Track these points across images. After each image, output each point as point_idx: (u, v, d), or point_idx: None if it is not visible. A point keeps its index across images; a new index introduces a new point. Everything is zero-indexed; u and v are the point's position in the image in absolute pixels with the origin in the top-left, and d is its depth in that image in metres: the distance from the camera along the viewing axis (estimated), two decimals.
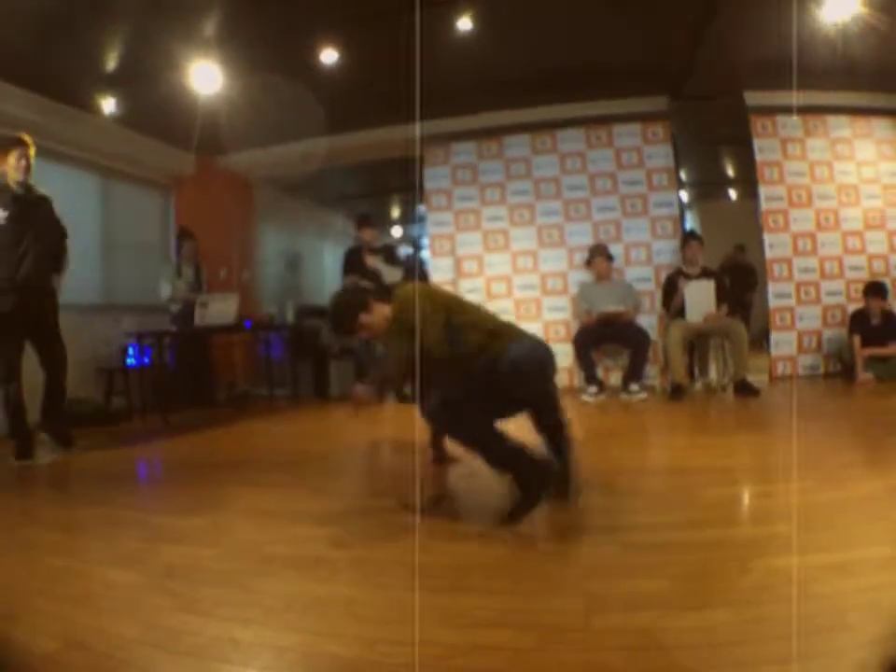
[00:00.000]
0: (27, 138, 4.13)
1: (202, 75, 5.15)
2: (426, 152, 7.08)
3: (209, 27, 4.86)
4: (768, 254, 6.48)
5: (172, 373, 6.30)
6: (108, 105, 5.62)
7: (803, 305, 6.42)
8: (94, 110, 5.65)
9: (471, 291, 6.68)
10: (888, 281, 6.14)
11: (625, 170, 6.72)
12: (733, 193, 11.05)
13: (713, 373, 6.05)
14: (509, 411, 2.53)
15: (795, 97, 5.85)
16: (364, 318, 2.75)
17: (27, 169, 4.12)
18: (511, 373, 2.38)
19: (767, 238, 6.47)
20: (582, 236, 6.71)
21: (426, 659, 1.41)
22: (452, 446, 3.19)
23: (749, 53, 5.49)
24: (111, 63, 5.18)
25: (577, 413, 4.97)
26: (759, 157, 6.51)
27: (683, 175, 8.81)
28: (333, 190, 9.91)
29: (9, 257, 4.04)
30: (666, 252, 6.57)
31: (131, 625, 1.63)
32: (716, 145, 8.56)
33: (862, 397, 5.22)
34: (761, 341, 7.08)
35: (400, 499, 2.67)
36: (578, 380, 6.11)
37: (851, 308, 6.18)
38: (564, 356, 5.95)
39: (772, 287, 6.46)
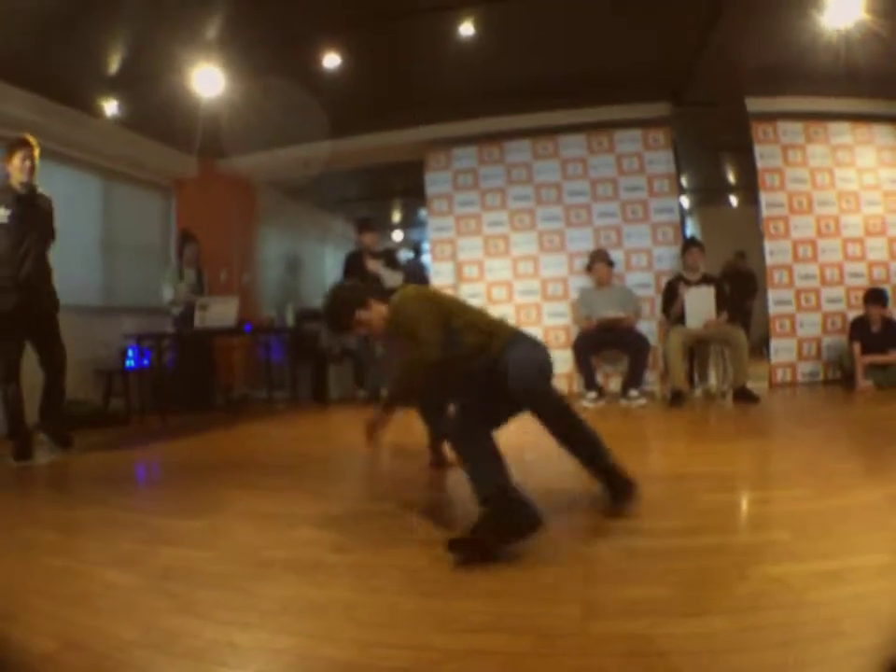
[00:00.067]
0: (32, 139, 4.15)
1: (204, 78, 5.17)
2: (427, 156, 7.09)
3: (211, 30, 4.87)
4: (769, 260, 6.48)
5: (171, 376, 6.31)
6: (111, 107, 5.64)
7: (803, 312, 6.43)
8: (97, 112, 5.67)
9: (472, 296, 6.68)
10: (888, 288, 6.14)
11: (626, 176, 6.73)
12: (733, 200, 11.07)
13: (713, 380, 6.05)
14: (509, 412, 2.52)
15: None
16: (362, 315, 2.73)
17: (31, 170, 4.14)
18: (510, 373, 2.37)
19: (768, 245, 6.48)
20: (583, 242, 6.72)
21: (421, 664, 1.41)
22: (450, 451, 3.21)
23: (751, 60, 5.51)
24: (114, 65, 5.20)
25: None
26: (760, 163, 6.52)
27: (684, 182, 8.84)
28: (334, 194, 9.93)
29: (12, 256, 4.05)
30: (667, 258, 6.58)
31: (128, 627, 1.63)
32: (717, 151, 8.58)
33: (862, 404, 5.22)
34: (761, 347, 7.09)
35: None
36: (577, 385, 6.10)
37: (851, 315, 6.18)
38: (563, 361, 5.95)
39: (772, 294, 6.47)
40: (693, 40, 5.31)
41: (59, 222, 4.42)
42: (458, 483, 3.12)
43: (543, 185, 6.86)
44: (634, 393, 5.58)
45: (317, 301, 9.31)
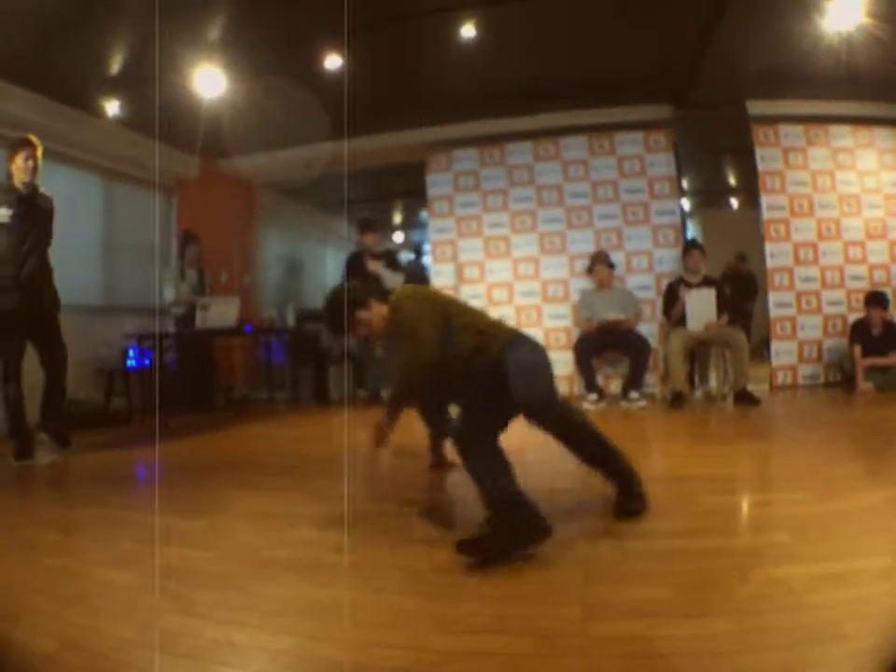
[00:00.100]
0: (35, 139, 4.16)
1: (206, 78, 5.18)
2: (429, 158, 7.10)
3: (213, 31, 4.87)
4: (769, 263, 6.48)
5: (172, 376, 6.30)
6: (112, 107, 5.65)
7: (804, 315, 6.42)
8: (98, 112, 5.68)
9: (473, 297, 6.67)
10: (889, 291, 6.14)
11: (627, 178, 6.73)
12: (734, 202, 11.07)
13: (713, 382, 6.05)
14: (511, 412, 2.50)
15: None
16: (362, 315, 2.73)
17: (34, 170, 4.14)
18: (513, 387, 2.35)
19: (768, 247, 6.47)
20: (584, 244, 6.71)
21: (421, 665, 1.41)
22: (450, 452, 3.20)
23: (752, 62, 5.51)
24: (116, 65, 5.20)
25: None
26: (761, 166, 6.52)
27: (685, 184, 8.84)
28: (336, 195, 9.92)
29: (14, 256, 4.06)
30: (668, 260, 6.58)
31: (128, 626, 1.63)
32: (718, 154, 8.58)
33: (863, 407, 5.22)
34: (761, 350, 7.08)
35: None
36: (578, 387, 6.10)
37: (852, 318, 6.17)
38: (564, 363, 5.95)
39: (773, 297, 6.46)
40: (695, 42, 5.31)
41: (60, 222, 4.41)
42: (458, 484, 3.13)
43: (544, 187, 6.86)
44: (634, 395, 5.58)
45: (318, 302, 9.34)
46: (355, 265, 6.51)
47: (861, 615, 1.50)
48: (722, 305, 5.70)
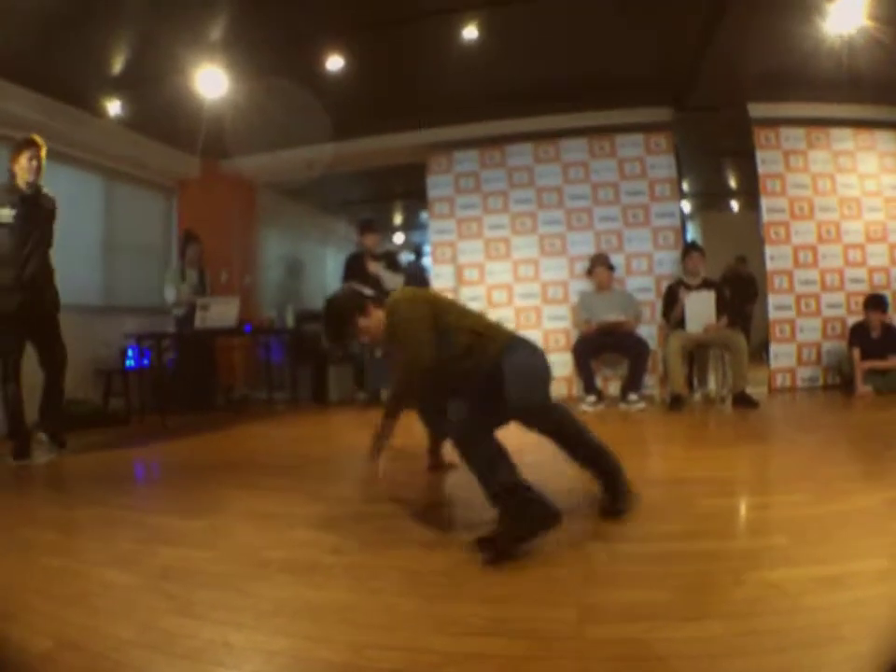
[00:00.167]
0: (39, 139, 4.16)
1: (207, 79, 5.18)
2: (429, 160, 7.10)
3: (215, 31, 4.88)
4: (769, 265, 6.49)
5: (172, 376, 6.31)
6: (114, 107, 5.65)
7: (803, 317, 6.43)
8: (100, 112, 5.68)
9: (472, 299, 6.69)
10: (888, 294, 6.15)
11: (628, 180, 6.74)
12: (735, 204, 11.08)
13: (712, 384, 6.05)
14: (509, 414, 2.50)
15: None
16: (362, 322, 2.74)
17: (38, 170, 4.15)
18: (508, 389, 2.35)
19: (768, 250, 6.48)
20: (584, 245, 6.72)
21: (419, 666, 1.41)
22: (449, 453, 3.20)
23: (753, 64, 5.51)
24: (117, 65, 5.21)
25: None
26: (761, 169, 6.53)
27: (685, 186, 8.84)
28: (336, 196, 9.94)
29: (16, 256, 4.06)
30: (667, 262, 6.58)
31: (126, 627, 1.63)
32: (719, 156, 8.58)
33: (861, 409, 5.22)
34: (760, 352, 7.08)
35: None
36: (577, 389, 6.10)
37: (851, 321, 6.18)
38: (563, 365, 5.96)
39: (772, 299, 6.47)
40: (696, 43, 5.31)
41: (61, 222, 4.42)
42: (456, 485, 3.13)
43: (545, 188, 6.87)
44: (633, 397, 5.58)
45: (318, 303, 9.35)
46: (355, 266, 6.52)
47: (858, 618, 1.50)
48: (722, 307, 5.70)
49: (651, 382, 6.20)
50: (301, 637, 1.56)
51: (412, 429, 3.38)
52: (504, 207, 6.93)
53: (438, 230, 7.10)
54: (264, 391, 7.14)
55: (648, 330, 6.25)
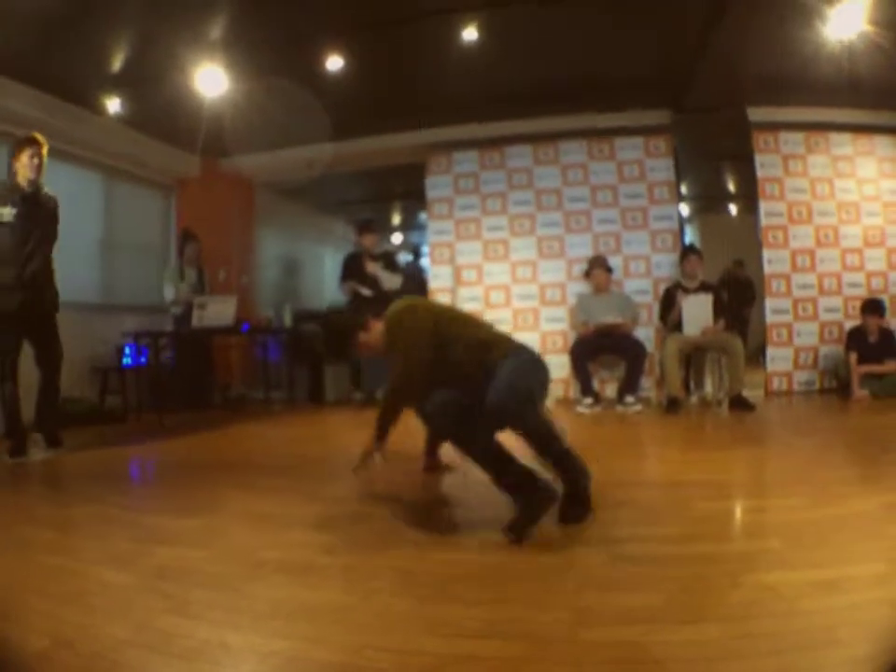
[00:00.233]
0: (41, 137, 4.15)
1: (207, 78, 5.18)
2: (429, 160, 7.10)
3: (215, 30, 4.88)
4: (767, 269, 6.50)
5: (169, 374, 6.30)
6: (114, 105, 5.65)
7: (800, 321, 6.44)
8: (100, 110, 5.67)
9: (470, 300, 6.69)
10: (886, 298, 6.16)
11: (627, 183, 6.74)
12: (733, 208, 11.09)
13: (709, 387, 6.05)
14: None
15: None
16: (363, 337, 2.76)
17: (39, 168, 4.14)
18: (495, 380, 2.37)
19: (766, 253, 6.49)
20: (582, 248, 6.72)
21: (413, 668, 1.41)
22: (446, 454, 3.20)
23: (752, 66, 5.52)
24: (118, 64, 5.20)
25: (572, 425, 4.98)
26: (760, 172, 6.54)
27: (684, 189, 8.85)
28: (334, 196, 9.93)
29: (16, 255, 4.05)
30: (665, 265, 6.59)
31: (123, 626, 1.63)
32: (717, 160, 8.60)
33: (858, 414, 5.23)
34: (757, 356, 7.09)
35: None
36: (574, 391, 6.11)
37: (848, 325, 6.19)
38: (560, 366, 5.96)
39: (769, 303, 6.48)
40: (695, 43, 5.30)
41: (61, 220, 4.41)
42: (452, 486, 3.13)
43: (543, 190, 6.87)
44: (630, 399, 5.59)
45: (315, 302, 9.36)
46: (353, 266, 6.52)
47: (855, 621, 1.50)
48: (719, 311, 5.71)
49: (647, 384, 6.21)
50: (296, 638, 1.56)
51: (408, 430, 3.37)
52: (503, 209, 6.93)
53: (436, 230, 7.10)
54: (261, 390, 7.13)
55: (645, 333, 6.26)
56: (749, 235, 7.33)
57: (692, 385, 6.08)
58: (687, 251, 6.17)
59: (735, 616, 1.57)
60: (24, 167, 4.09)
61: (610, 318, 5.80)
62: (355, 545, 2.25)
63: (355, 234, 7.04)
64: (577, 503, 2.41)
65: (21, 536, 2.46)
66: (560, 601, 1.73)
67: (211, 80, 5.19)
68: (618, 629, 1.55)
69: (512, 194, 6.93)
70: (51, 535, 2.50)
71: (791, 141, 6.54)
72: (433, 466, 3.36)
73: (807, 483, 2.87)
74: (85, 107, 5.70)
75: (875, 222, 6.49)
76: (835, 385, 6.21)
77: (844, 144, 6.57)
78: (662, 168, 6.70)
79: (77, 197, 5.99)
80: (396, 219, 12.09)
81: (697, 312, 5.67)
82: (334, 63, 5.30)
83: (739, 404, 5.34)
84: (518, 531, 2.17)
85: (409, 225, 12.32)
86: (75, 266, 5.81)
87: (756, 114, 6.47)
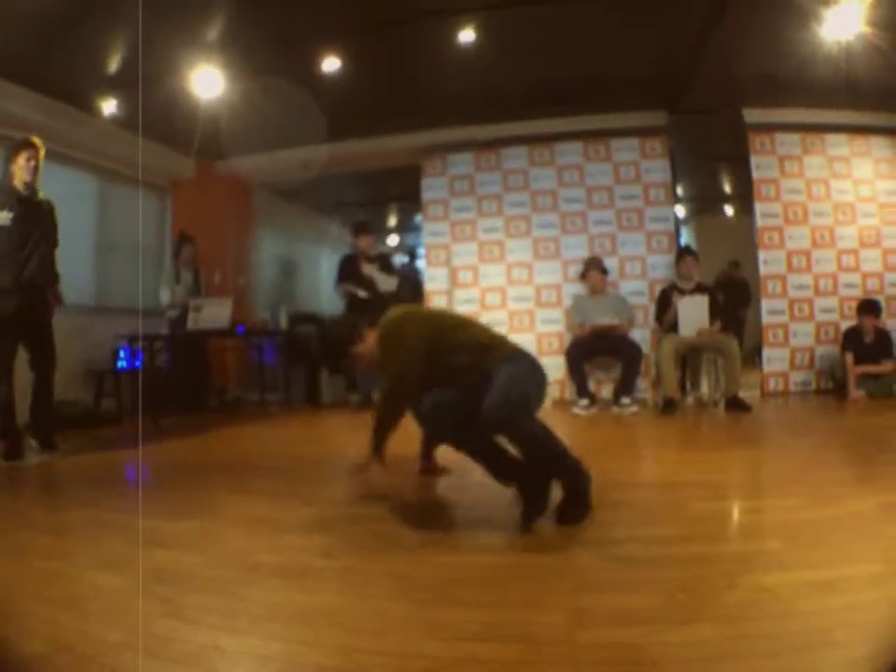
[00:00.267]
0: (38, 141, 4.14)
1: (203, 79, 5.17)
2: (424, 162, 7.10)
3: (212, 32, 4.87)
4: (762, 270, 6.52)
5: (164, 376, 6.29)
6: (109, 107, 5.63)
7: (796, 322, 6.45)
8: (95, 112, 5.66)
9: (466, 302, 6.69)
10: (882, 299, 6.17)
11: (623, 184, 6.75)
12: (729, 209, 11.11)
13: (705, 388, 6.06)
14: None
15: None
16: (360, 349, 2.76)
17: (35, 170, 4.13)
18: (492, 385, 2.37)
19: (762, 254, 6.51)
20: (578, 249, 6.73)
21: None
22: (441, 456, 3.20)
23: (750, 67, 5.53)
24: (114, 66, 5.19)
25: (567, 426, 4.98)
26: (756, 174, 6.56)
27: (680, 191, 8.86)
28: (331, 197, 9.93)
29: (14, 259, 4.03)
30: (661, 266, 6.60)
31: (118, 630, 1.62)
32: (713, 161, 8.61)
33: (854, 414, 5.23)
34: (753, 357, 7.11)
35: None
36: (569, 392, 6.11)
37: (844, 325, 6.20)
38: (556, 368, 5.96)
39: (765, 304, 6.49)
40: (693, 44, 5.30)
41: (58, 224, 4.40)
42: (449, 489, 3.13)
43: (539, 192, 6.88)
44: (626, 400, 5.59)
45: (312, 305, 9.35)
46: (349, 268, 6.52)
47: (852, 622, 1.50)
48: (715, 312, 5.72)
49: (643, 385, 6.22)
50: (293, 642, 1.55)
51: (404, 433, 3.37)
52: (498, 210, 6.94)
53: (432, 232, 7.10)
54: (257, 393, 7.13)
55: (641, 334, 6.27)
56: (745, 236, 7.35)
57: (687, 385, 6.09)
58: (683, 252, 6.18)
59: (731, 617, 1.57)
60: (21, 170, 4.08)
61: (606, 320, 5.81)
62: (352, 548, 2.24)
63: (350, 236, 7.04)
64: (576, 504, 2.41)
65: (17, 540, 2.45)
66: (557, 603, 1.72)
67: (207, 81, 5.19)
68: (615, 630, 1.55)
69: (508, 196, 6.93)
70: (47, 539, 2.49)
71: (788, 142, 6.56)
72: (429, 468, 3.35)
73: (804, 483, 2.87)
74: (80, 109, 5.69)
75: (871, 223, 6.52)
76: (832, 386, 6.22)
77: (840, 145, 6.59)
78: (658, 169, 6.72)
79: (71, 199, 5.95)
80: (392, 221, 12.08)
81: (693, 313, 5.68)
82: (331, 64, 5.30)
83: (735, 405, 5.34)
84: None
85: (405, 227, 12.32)
86: (69, 268, 5.78)
87: (752, 115, 6.50)
